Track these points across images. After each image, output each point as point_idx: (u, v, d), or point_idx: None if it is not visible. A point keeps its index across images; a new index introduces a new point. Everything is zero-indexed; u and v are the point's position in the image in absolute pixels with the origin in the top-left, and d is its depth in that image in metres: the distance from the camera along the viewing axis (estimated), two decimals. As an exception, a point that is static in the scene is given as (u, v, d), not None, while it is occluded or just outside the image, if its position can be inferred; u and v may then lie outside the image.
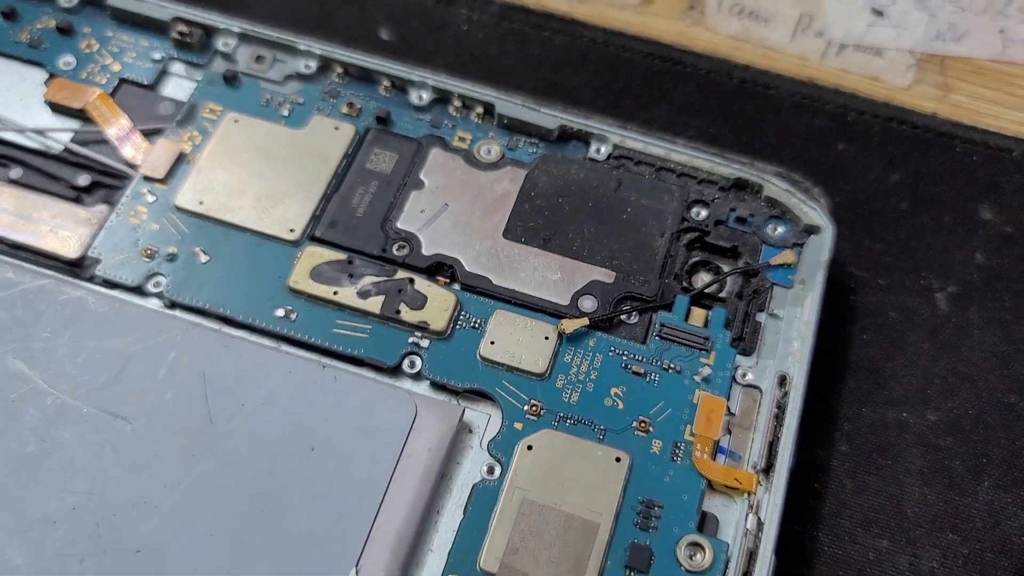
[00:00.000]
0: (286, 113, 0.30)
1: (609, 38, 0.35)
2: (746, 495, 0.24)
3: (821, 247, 0.28)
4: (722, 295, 0.27)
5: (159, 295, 0.27)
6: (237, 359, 0.26)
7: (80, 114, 0.30)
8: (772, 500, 0.24)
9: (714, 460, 0.24)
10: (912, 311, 0.29)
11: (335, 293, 0.27)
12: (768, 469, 0.24)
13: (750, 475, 0.24)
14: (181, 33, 0.31)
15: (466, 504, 0.24)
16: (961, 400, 0.28)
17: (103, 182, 0.29)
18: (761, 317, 0.27)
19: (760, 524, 0.23)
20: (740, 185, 0.29)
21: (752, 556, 0.23)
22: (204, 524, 0.23)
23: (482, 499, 0.24)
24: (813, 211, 0.28)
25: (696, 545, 0.23)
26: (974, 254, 0.30)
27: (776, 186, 0.28)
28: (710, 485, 0.24)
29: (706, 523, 0.24)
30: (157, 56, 0.31)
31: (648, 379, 0.26)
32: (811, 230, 0.28)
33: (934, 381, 0.28)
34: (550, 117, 0.30)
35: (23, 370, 0.25)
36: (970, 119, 0.34)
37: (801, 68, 0.35)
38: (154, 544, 0.23)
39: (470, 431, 0.25)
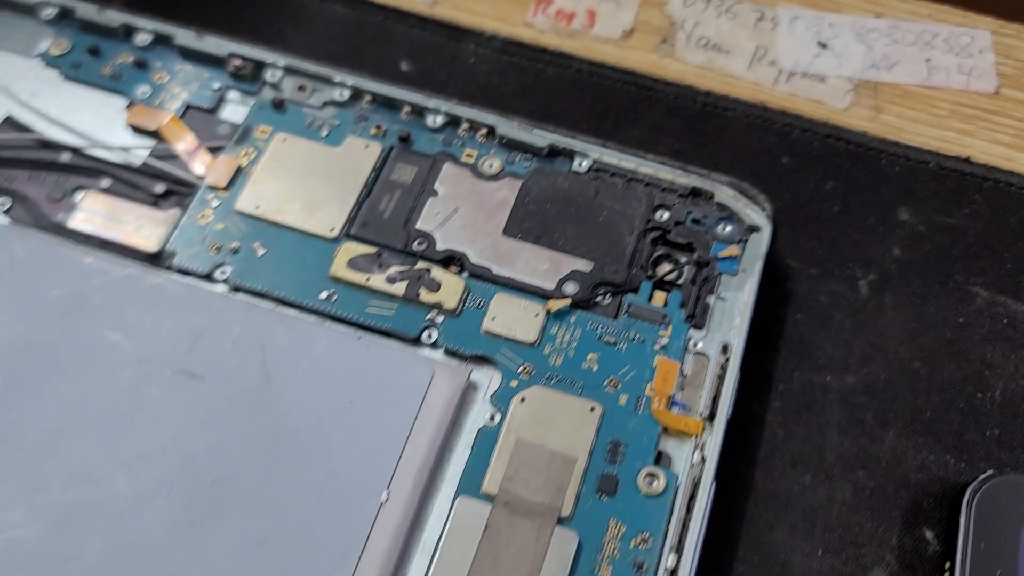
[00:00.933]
0: (325, 134, 0.35)
1: (593, 69, 0.39)
2: (694, 437, 0.29)
3: (760, 243, 0.33)
4: (679, 282, 0.32)
5: (225, 281, 0.32)
6: (289, 332, 0.30)
7: (155, 134, 0.35)
8: (713, 440, 0.29)
9: (669, 410, 0.30)
10: (838, 295, 0.34)
11: (367, 279, 0.32)
12: (712, 417, 0.29)
13: (697, 421, 0.29)
14: (236, 67, 0.36)
15: (473, 443, 0.29)
16: (875, 367, 0.32)
17: (175, 190, 0.34)
18: (710, 299, 0.32)
19: (703, 459, 0.29)
20: (696, 192, 0.34)
21: (697, 483, 0.28)
22: (264, 461, 0.28)
23: (485, 440, 0.29)
24: (755, 214, 0.33)
25: (652, 475, 0.29)
26: (892, 248, 0.35)
27: (725, 193, 0.34)
28: (665, 430, 0.29)
29: (661, 459, 0.29)
30: (216, 86, 0.36)
31: (617, 347, 0.31)
32: (753, 229, 0.33)
33: (854, 351, 0.33)
34: (541, 137, 0.34)
35: (120, 340, 0.30)
36: (896, 136, 0.38)
37: (755, 93, 0.39)
38: (225, 477, 0.28)
39: (476, 388, 0.30)
